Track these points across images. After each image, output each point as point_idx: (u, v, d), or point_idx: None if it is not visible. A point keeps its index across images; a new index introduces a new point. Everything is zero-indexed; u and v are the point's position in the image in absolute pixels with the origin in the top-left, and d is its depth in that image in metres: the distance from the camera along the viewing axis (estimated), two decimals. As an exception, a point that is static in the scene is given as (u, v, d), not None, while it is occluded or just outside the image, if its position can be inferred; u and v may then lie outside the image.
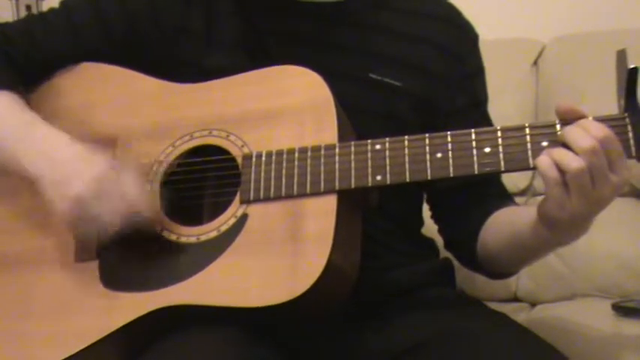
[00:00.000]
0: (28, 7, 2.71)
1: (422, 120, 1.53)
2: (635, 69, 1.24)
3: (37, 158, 1.44)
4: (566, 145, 1.25)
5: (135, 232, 1.40)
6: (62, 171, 1.40)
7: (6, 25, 1.63)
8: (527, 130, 1.29)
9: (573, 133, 1.25)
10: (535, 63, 2.35)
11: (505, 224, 1.49)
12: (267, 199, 1.37)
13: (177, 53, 1.55)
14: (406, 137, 1.34)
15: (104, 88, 1.55)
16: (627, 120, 1.27)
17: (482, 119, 1.59)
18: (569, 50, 2.33)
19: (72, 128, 1.48)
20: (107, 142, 1.49)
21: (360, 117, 1.45)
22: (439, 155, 1.32)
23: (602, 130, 1.24)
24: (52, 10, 1.62)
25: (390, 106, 1.52)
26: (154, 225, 1.42)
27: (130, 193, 1.39)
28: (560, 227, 1.31)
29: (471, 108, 1.59)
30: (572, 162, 1.23)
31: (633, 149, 1.26)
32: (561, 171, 1.24)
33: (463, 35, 1.61)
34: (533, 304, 2.10)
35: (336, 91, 1.40)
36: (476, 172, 1.30)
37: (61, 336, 1.40)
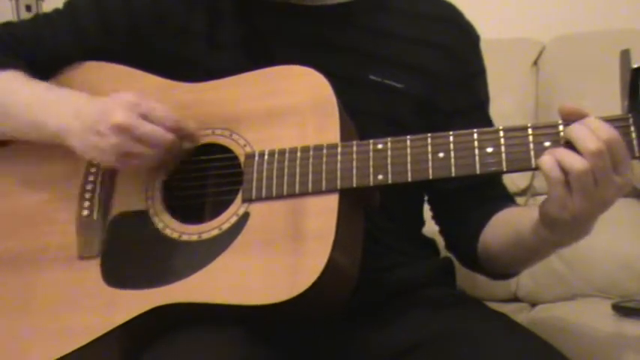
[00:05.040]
0: (28, 7, 2.71)
1: (423, 121, 1.53)
2: (638, 69, 1.24)
3: (63, 111, 1.45)
4: (569, 145, 1.25)
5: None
6: (92, 113, 1.41)
7: (13, 25, 1.65)
8: (530, 131, 1.29)
9: (580, 132, 1.25)
10: (535, 63, 2.35)
11: (506, 225, 1.49)
12: (269, 197, 1.37)
13: (180, 53, 1.55)
14: (408, 137, 1.34)
15: (108, 87, 1.54)
16: (631, 120, 1.26)
17: (483, 120, 1.59)
18: (569, 50, 2.34)
19: None
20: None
21: (360, 118, 1.45)
22: (441, 155, 1.32)
23: (608, 132, 1.24)
24: (57, 11, 1.63)
25: (391, 108, 1.52)
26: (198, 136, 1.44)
27: (166, 108, 1.41)
28: (561, 228, 1.30)
29: (473, 109, 1.59)
30: (576, 162, 1.23)
31: (637, 150, 1.25)
32: (564, 171, 1.24)
33: (464, 36, 1.60)
34: (533, 304, 2.11)
35: (337, 92, 1.40)
36: (478, 172, 1.30)
37: (62, 332, 1.40)
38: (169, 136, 1.40)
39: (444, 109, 1.55)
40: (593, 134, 1.24)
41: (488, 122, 1.61)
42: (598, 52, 2.22)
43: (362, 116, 1.47)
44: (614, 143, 1.23)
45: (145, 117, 1.39)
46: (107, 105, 1.41)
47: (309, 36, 1.54)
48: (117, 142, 1.38)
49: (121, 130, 1.38)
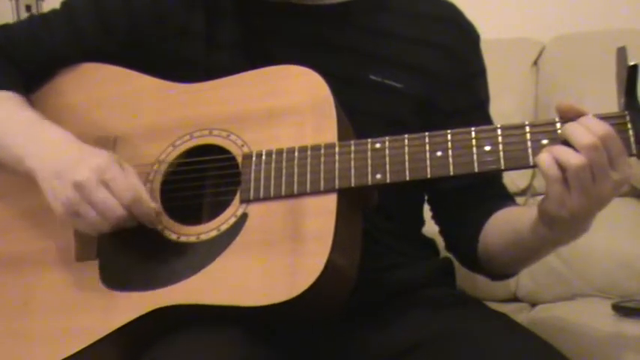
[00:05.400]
0: (28, 7, 2.71)
1: (423, 121, 1.52)
2: (634, 66, 1.24)
3: (39, 152, 1.44)
4: (566, 143, 1.25)
5: (134, 226, 1.40)
6: (64, 160, 1.40)
7: (9, 27, 1.64)
8: (527, 128, 1.29)
9: (574, 129, 1.25)
10: (535, 63, 2.35)
11: (505, 224, 1.49)
12: (267, 198, 1.37)
13: (180, 53, 1.55)
14: (406, 136, 1.34)
15: (105, 88, 1.56)
16: (627, 118, 1.26)
17: (483, 120, 1.58)
18: (569, 50, 2.34)
19: (72, 128, 1.48)
20: (107, 142, 1.49)
21: (360, 118, 1.45)
22: (439, 154, 1.32)
23: (602, 127, 1.24)
24: (54, 11, 1.62)
25: (391, 108, 1.52)
26: (155, 220, 1.41)
27: (132, 184, 1.39)
28: (560, 225, 1.30)
29: (473, 109, 1.59)
30: (573, 158, 1.23)
31: (633, 147, 1.25)
32: (562, 168, 1.24)
33: (464, 36, 1.60)
34: (533, 304, 2.11)
35: (336, 92, 1.40)
36: (476, 170, 1.30)
37: (61, 335, 1.40)
38: (119, 212, 1.38)
39: (444, 110, 1.55)
40: (587, 130, 1.24)
41: (489, 122, 1.59)
42: (598, 52, 2.22)
43: (362, 116, 1.47)
44: (608, 138, 1.24)
45: (105, 184, 1.38)
46: (79, 159, 1.40)
47: (309, 36, 1.54)
48: (71, 197, 1.37)
49: (77, 188, 1.37)
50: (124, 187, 1.38)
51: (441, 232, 1.65)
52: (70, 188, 1.37)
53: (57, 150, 1.44)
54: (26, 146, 1.46)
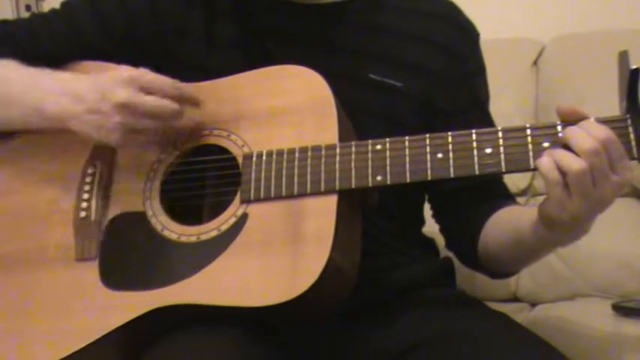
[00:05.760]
0: (28, 7, 2.71)
1: (422, 120, 1.52)
2: (636, 70, 1.24)
3: (61, 97, 1.44)
4: (567, 146, 1.25)
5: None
6: (93, 93, 1.41)
7: (8, 22, 1.64)
8: (529, 131, 1.29)
9: (575, 134, 1.25)
10: (535, 63, 2.35)
11: (506, 224, 1.49)
12: (268, 198, 1.37)
13: (177, 54, 1.55)
14: (407, 137, 1.34)
15: None
16: (629, 121, 1.26)
17: (483, 119, 1.59)
18: (569, 50, 2.34)
19: None
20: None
21: (360, 118, 1.45)
22: (440, 156, 1.32)
23: (603, 132, 1.24)
24: (53, 11, 1.62)
25: (390, 107, 1.52)
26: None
27: (166, 78, 1.41)
28: (560, 227, 1.30)
29: (472, 107, 1.59)
30: (574, 163, 1.23)
31: (635, 150, 1.26)
32: (562, 172, 1.24)
33: (464, 34, 1.60)
34: (533, 304, 2.11)
35: (336, 91, 1.40)
36: (477, 172, 1.30)
37: (60, 334, 1.40)
38: (173, 106, 1.40)
39: (444, 109, 1.55)
40: (588, 134, 1.24)
41: (489, 121, 1.60)
42: (598, 52, 2.22)
43: (362, 115, 1.47)
44: (609, 142, 1.24)
45: (144, 90, 1.39)
46: (106, 85, 1.40)
47: (309, 35, 1.54)
48: (120, 119, 1.38)
49: (124, 107, 1.38)
50: (162, 82, 1.40)
51: (442, 230, 1.65)
52: (114, 114, 1.38)
53: (77, 89, 1.44)
54: (46, 93, 1.46)
